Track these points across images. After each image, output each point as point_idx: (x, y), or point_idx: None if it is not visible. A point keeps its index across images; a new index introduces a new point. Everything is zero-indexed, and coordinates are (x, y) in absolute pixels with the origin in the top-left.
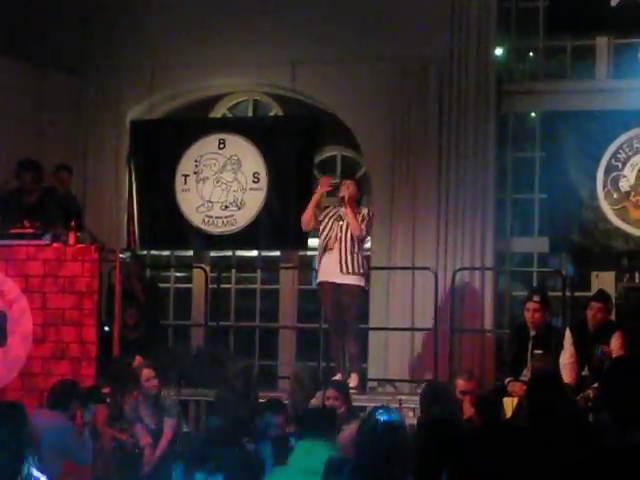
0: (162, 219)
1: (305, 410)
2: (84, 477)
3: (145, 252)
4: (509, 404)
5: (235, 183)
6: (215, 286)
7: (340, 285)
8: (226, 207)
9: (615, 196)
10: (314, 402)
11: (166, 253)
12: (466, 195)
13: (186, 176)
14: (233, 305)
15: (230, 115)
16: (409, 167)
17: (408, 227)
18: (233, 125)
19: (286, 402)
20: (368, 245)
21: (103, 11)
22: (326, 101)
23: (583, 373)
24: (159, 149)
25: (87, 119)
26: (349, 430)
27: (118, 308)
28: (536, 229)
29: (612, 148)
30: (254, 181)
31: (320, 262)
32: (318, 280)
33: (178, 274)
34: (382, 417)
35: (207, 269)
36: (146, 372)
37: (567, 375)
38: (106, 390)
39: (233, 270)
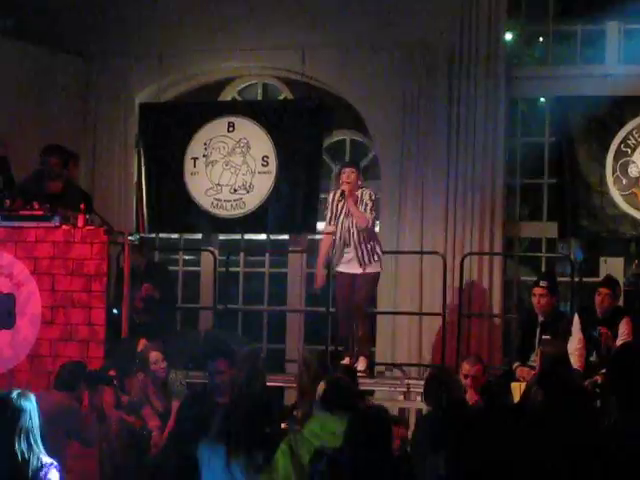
0: (171, 202)
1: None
2: (91, 460)
3: (154, 235)
4: (517, 389)
5: (244, 166)
6: (223, 269)
7: (357, 274)
8: (235, 190)
9: (624, 182)
10: (321, 386)
11: (175, 236)
12: (475, 180)
13: (195, 159)
14: (241, 288)
15: (239, 98)
16: (418, 151)
17: (417, 211)
18: (242, 108)
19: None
20: (377, 229)
21: None
22: (335, 85)
23: (591, 359)
24: (168, 132)
25: (96, 103)
26: None
27: (127, 291)
28: (545, 214)
29: (622, 134)
30: (263, 164)
31: (337, 256)
32: (337, 270)
33: (187, 257)
34: None
35: (216, 252)
36: (154, 355)
37: (576, 360)
38: (113, 372)
39: (242, 253)
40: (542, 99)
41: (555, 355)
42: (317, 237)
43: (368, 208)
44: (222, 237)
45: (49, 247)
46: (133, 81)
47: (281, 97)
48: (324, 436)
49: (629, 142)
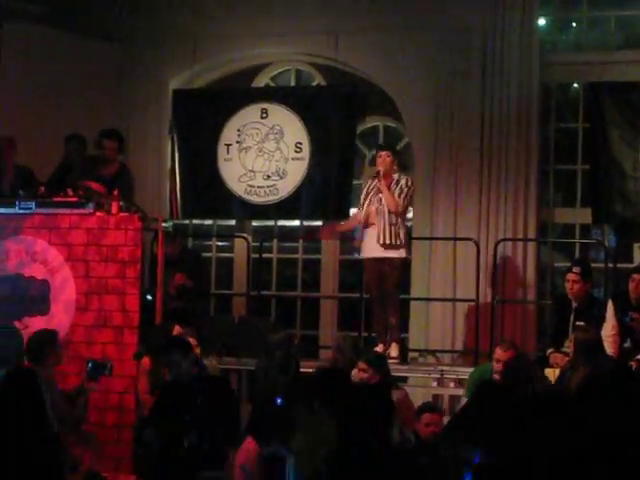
0: (204, 188)
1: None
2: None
3: (187, 221)
4: (551, 375)
5: (277, 153)
6: (257, 256)
7: (382, 258)
8: (268, 177)
9: None
10: (355, 372)
11: (208, 222)
12: (509, 166)
13: (229, 145)
14: (275, 275)
15: (272, 85)
16: (451, 137)
17: (450, 198)
18: (275, 95)
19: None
20: (410, 215)
21: None
22: (368, 71)
23: (625, 345)
24: (201, 119)
25: (129, 89)
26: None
27: (160, 277)
28: (579, 200)
29: None
30: (296, 151)
31: (362, 236)
32: (362, 256)
33: (220, 243)
34: None
35: (249, 238)
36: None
37: (610, 346)
38: (147, 359)
39: (275, 240)
40: (576, 85)
41: (589, 341)
42: None
43: (403, 195)
44: (255, 223)
45: (83, 234)
46: (166, 68)
47: (314, 83)
48: None
49: None
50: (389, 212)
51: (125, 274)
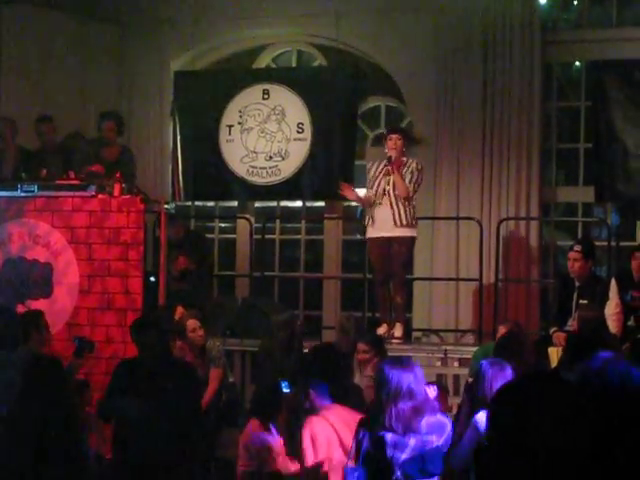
0: (206, 170)
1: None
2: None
3: (189, 203)
4: (554, 353)
5: (279, 133)
6: (259, 237)
7: (391, 237)
8: (270, 157)
9: None
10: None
11: (211, 204)
12: (511, 145)
13: (230, 127)
14: (277, 256)
15: (274, 65)
16: (453, 117)
17: (453, 177)
18: (277, 75)
19: None
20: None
21: None
22: (370, 51)
23: (629, 323)
24: (203, 100)
25: (131, 71)
26: None
27: (163, 259)
28: (581, 179)
29: None
30: (298, 131)
31: (369, 215)
32: (368, 235)
33: (223, 225)
34: None
35: (251, 220)
36: (192, 323)
37: (613, 325)
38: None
39: (277, 220)
40: (578, 63)
41: (592, 319)
42: (353, 204)
43: (413, 179)
44: (258, 204)
45: (86, 216)
46: (168, 49)
47: (315, 64)
48: None
49: None
50: (400, 197)
51: (128, 256)
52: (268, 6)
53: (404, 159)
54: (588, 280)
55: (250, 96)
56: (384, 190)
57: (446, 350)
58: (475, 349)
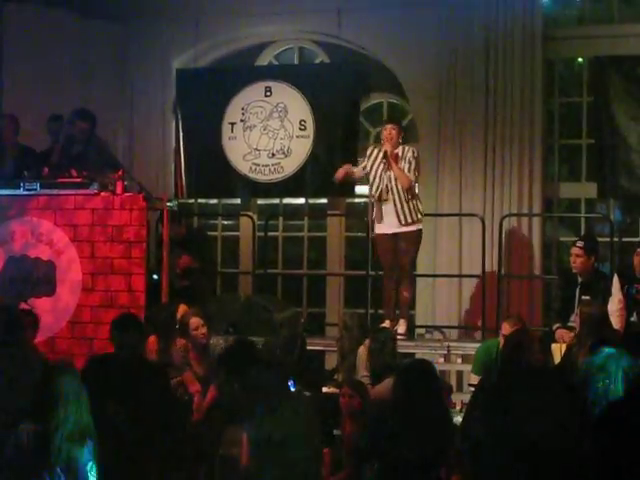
0: (209, 167)
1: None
2: None
3: (192, 201)
4: (557, 350)
5: (282, 131)
6: (262, 234)
7: (398, 233)
8: (273, 155)
9: None
10: (362, 349)
11: (213, 201)
12: (513, 141)
13: (233, 124)
14: (280, 253)
15: (276, 63)
16: (456, 113)
17: (455, 173)
18: (279, 73)
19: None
20: (417, 190)
21: None
22: (372, 48)
23: (632, 319)
24: (205, 97)
25: (133, 68)
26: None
27: (166, 256)
28: (584, 174)
29: None
30: (301, 128)
31: (376, 212)
32: (376, 232)
33: (225, 222)
34: None
35: (254, 217)
36: (195, 320)
37: (616, 321)
38: (153, 338)
39: (280, 218)
40: (580, 59)
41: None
42: (355, 200)
43: (412, 167)
44: (261, 202)
45: (88, 214)
46: (170, 47)
47: (318, 61)
48: None
49: None
50: (402, 189)
51: (131, 254)
52: (270, 3)
53: (399, 151)
54: (591, 276)
55: (252, 93)
56: (387, 187)
57: (449, 346)
58: (478, 345)
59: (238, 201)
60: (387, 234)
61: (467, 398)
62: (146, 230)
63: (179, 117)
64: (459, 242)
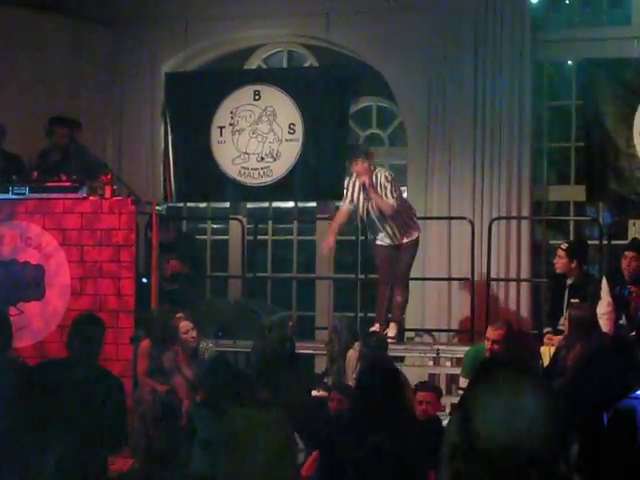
0: (198, 171)
1: None
2: None
3: (181, 204)
4: (546, 352)
5: (271, 134)
6: (252, 238)
7: (397, 245)
8: (262, 158)
9: None
10: (351, 353)
11: (203, 205)
12: (502, 144)
13: (222, 128)
14: (270, 256)
15: (265, 66)
16: (444, 117)
17: (444, 177)
18: (268, 76)
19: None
20: (405, 195)
21: None
22: (361, 52)
23: (620, 322)
24: (194, 101)
25: (122, 72)
26: None
27: (155, 260)
28: (572, 177)
29: None
30: (290, 132)
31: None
32: (376, 243)
33: (215, 226)
34: None
35: (244, 221)
36: (185, 324)
37: (605, 324)
38: (146, 342)
39: (269, 221)
40: (569, 62)
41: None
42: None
43: (388, 191)
44: (250, 205)
45: (77, 218)
46: (159, 50)
47: (307, 64)
48: None
49: None
50: (388, 216)
51: (120, 258)
52: (259, 7)
53: (374, 178)
54: (579, 279)
55: (241, 97)
56: (374, 217)
57: (438, 350)
58: (467, 349)
59: (227, 205)
60: (386, 246)
61: (456, 401)
62: (135, 234)
63: (168, 121)
64: (448, 245)
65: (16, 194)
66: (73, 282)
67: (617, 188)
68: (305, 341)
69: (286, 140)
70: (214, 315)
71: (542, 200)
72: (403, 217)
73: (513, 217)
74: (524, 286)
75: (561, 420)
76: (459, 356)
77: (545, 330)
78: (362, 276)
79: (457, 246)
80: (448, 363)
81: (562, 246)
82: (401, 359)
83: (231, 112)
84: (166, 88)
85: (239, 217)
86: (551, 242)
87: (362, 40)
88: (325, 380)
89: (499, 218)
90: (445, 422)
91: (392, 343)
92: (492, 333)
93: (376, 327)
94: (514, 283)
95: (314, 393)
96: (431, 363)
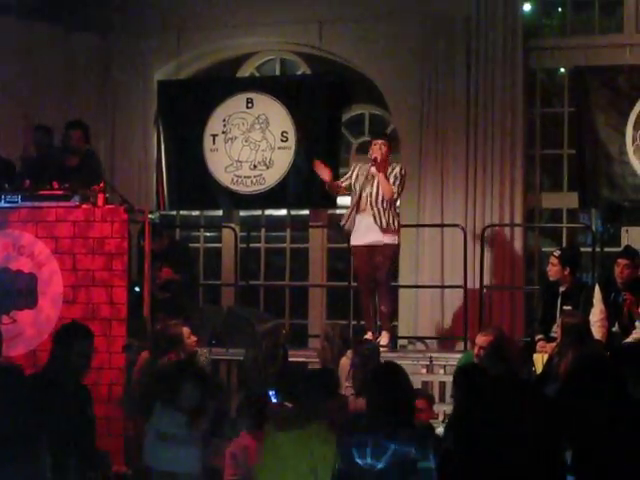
0: (191, 179)
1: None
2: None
3: (174, 212)
4: (539, 360)
5: (264, 142)
6: (245, 245)
7: (374, 246)
8: (255, 166)
9: None
10: (344, 360)
11: (195, 213)
12: (495, 151)
13: (214, 136)
14: (263, 264)
15: (257, 74)
16: (437, 124)
17: (437, 184)
18: (261, 84)
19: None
20: (397, 203)
21: None
22: (353, 59)
23: (613, 329)
24: (187, 109)
25: (115, 81)
26: None
27: (148, 268)
28: (565, 185)
29: None
30: (282, 140)
31: (351, 222)
32: (352, 243)
33: (208, 234)
34: None
35: (236, 229)
36: (186, 330)
37: (597, 331)
38: (146, 353)
39: (262, 229)
40: (561, 69)
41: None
42: (337, 212)
43: (398, 182)
44: (243, 213)
45: (69, 226)
46: (152, 58)
47: (299, 72)
48: None
49: None
50: (382, 199)
51: (112, 266)
52: (251, 15)
53: (389, 168)
54: (572, 286)
55: (234, 105)
56: (368, 195)
57: (431, 357)
58: (460, 356)
59: (220, 213)
60: (363, 246)
61: (449, 409)
62: (127, 242)
63: (161, 129)
64: (441, 253)
65: (8, 202)
66: (66, 290)
67: (610, 195)
68: (298, 349)
69: (279, 148)
70: (207, 323)
71: (535, 207)
72: (393, 214)
73: (506, 224)
74: (517, 293)
75: (545, 424)
76: (452, 364)
77: (538, 337)
78: (354, 284)
79: (450, 253)
80: (441, 371)
81: (555, 253)
82: None
83: (224, 120)
84: (159, 96)
85: (232, 225)
86: (544, 249)
87: (355, 48)
88: None
89: (492, 225)
90: (438, 430)
91: (385, 351)
92: (480, 339)
93: (369, 335)
94: (507, 290)
95: None
96: (424, 371)
